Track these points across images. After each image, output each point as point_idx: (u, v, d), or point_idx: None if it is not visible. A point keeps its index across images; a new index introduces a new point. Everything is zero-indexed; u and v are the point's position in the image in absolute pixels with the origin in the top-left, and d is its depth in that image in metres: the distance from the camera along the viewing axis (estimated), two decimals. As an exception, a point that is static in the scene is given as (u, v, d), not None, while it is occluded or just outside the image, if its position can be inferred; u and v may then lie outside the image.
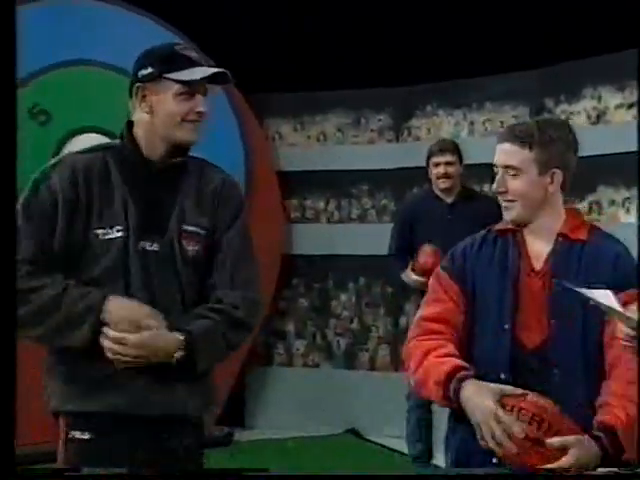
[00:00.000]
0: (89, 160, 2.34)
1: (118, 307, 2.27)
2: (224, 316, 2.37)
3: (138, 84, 2.33)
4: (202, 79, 2.33)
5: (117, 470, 2.11)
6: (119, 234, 2.30)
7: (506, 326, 2.39)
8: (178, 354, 2.25)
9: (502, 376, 2.35)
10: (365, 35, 5.95)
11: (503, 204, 2.46)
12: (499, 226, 2.52)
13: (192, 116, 2.33)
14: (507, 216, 2.48)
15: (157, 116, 2.33)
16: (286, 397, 6.75)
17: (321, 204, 6.93)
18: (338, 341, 6.94)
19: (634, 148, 4.95)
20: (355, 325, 6.88)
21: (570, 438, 2.27)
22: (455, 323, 2.47)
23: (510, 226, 2.49)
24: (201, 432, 2.48)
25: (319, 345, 6.98)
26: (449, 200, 4.90)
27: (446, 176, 4.85)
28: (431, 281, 2.58)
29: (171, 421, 2.37)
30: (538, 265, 2.44)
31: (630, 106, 5.48)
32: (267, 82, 6.41)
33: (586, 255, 2.44)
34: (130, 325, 2.24)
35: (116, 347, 2.23)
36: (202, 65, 2.36)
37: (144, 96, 2.33)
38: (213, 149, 6.60)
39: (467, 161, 5.05)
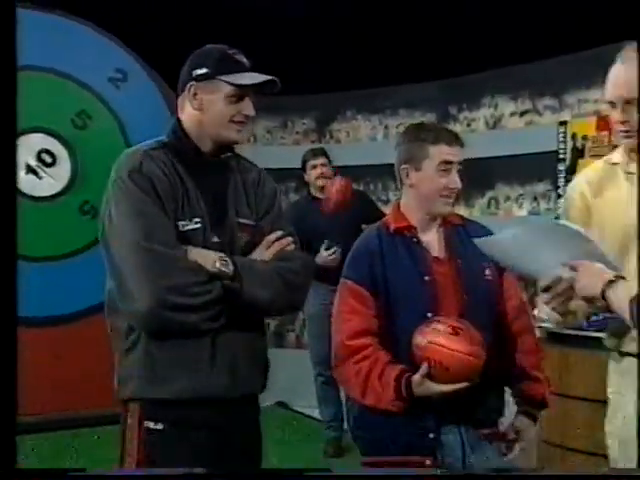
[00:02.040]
0: (161, 157, 2.22)
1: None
2: (283, 271, 2.27)
3: (192, 82, 2.23)
4: (254, 85, 2.22)
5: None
6: (197, 225, 2.19)
7: (429, 314, 2.32)
8: (219, 265, 2.14)
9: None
10: (291, 47, 5.99)
11: (449, 200, 2.43)
12: (393, 224, 2.45)
13: (239, 117, 2.23)
14: (451, 209, 2.47)
15: (207, 114, 2.23)
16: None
17: None
18: (268, 323, 6.98)
19: (526, 151, 5.19)
20: None
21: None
22: (374, 328, 2.37)
23: (405, 223, 2.44)
24: (259, 408, 2.38)
25: None
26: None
27: (323, 175, 4.89)
28: (340, 292, 2.45)
29: (235, 402, 2.24)
30: (440, 253, 2.42)
31: (522, 114, 5.60)
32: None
33: (467, 234, 2.46)
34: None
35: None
36: (251, 71, 2.26)
37: (195, 94, 2.23)
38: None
39: (384, 161, 5.07)
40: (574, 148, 4.98)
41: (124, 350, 2.21)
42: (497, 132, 5.75)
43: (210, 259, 2.15)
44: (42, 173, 5.68)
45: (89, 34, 5.80)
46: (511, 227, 2.18)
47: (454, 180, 2.40)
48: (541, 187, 5.41)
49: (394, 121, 6.33)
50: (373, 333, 2.36)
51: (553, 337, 4.23)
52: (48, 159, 5.75)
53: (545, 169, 5.30)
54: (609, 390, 2.40)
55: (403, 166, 2.44)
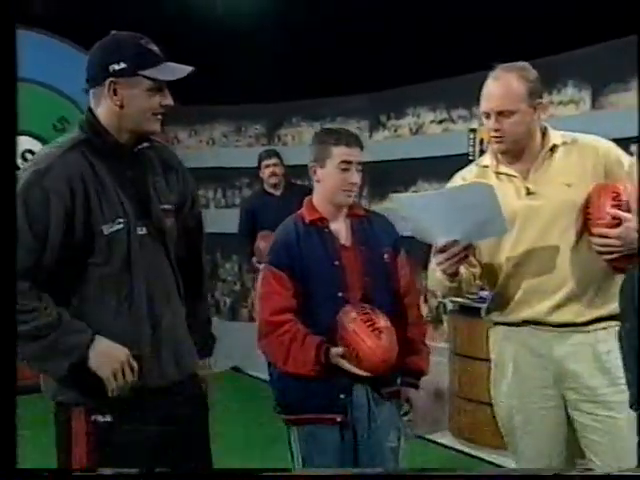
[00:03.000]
0: (74, 158, 1.93)
1: (99, 353, 1.89)
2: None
3: (111, 79, 1.93)
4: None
5: (124, 470, 1.70)
6: (121, 225, 1.94)
7: (340, 294, 2.33)
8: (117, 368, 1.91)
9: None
10: (244, 62, 5.96)
11: (350, 193, 2.41)
12: (307, 216, 2.42)
13: (160, 109, 1.98)
14: (351, 201, 2.44)
15: (128, 109, 1.95)
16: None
17: (211, 193, 6.90)
18: (225, 300, 6.95)
19: (443, 153, 5.18)
20: (237, 287, 6.89)
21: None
22: (293, 306, 2.34)
23: (318, 215, 2.42)
24: (203, 380, 2.22)
25: (210, 303, 6.99)
26: (278, 193, 4.92)
27: (274, 174, 4.91)
28: (263, 277, 2.43)
29: (182, 384, 2.07)
30: (347, 241, 2.41)
31: (440, 122, 5.61)
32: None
33: (371, 224, 2.47)
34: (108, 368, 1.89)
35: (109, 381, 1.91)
36: (165, 60, 1.99)
37: (115, 90, 1.93)
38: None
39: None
40: (481, 151, 4.95)
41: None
42: (419, 137, 5.76)
43: (115, 358, 1.90)
44: (26, 171, 5.65)
45: (68, 50, 5.71)
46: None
47: (353, 176, 2.38)
48: (454, 184, 5.45)
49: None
50: (292, 310, 2.34)
51: (464, 310, 4.38)
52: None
53: (458, 169, 5.31)
54: (492, 356, 2.42)
55: (311, 165, 2.43)
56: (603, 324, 2.24)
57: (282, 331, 2.32)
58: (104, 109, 1.98)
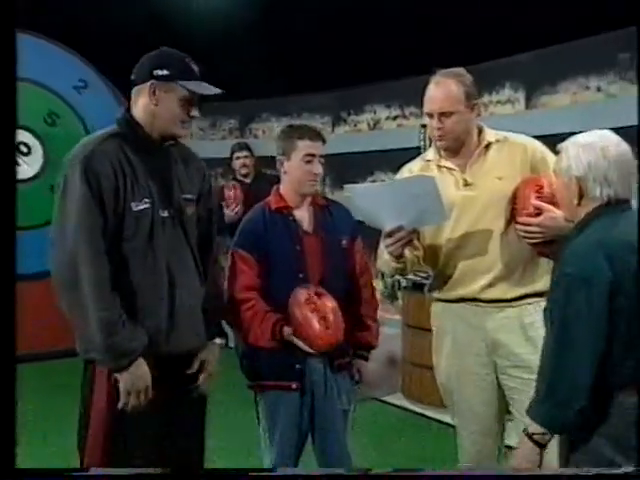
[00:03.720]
0: (112, 147, 2.03)
1: (132, 377, 1.96)
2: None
3: (153, 81, 2.04)
4: (208, 95, 2.08)
5: (120, 471, 1.80)
6: (147, 205, 2.03)
7: (301, 275, 2.32)
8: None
9: None
10: (219, 62, 5.91)
11: (313, 183, 2.40)
12: (273, 204, 2.42)
13: (187, 118, 2.08)
14: (315, 190, 2.44)
15: (160, 110, 2.05)
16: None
17: None
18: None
19: (397, 147, 5.17)
20: None
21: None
22: (257, 286, 2.34)
23: (283, 204, 2.41)
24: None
25: None
26: (248, 180, 4.89)
27: (244, 165, 4.89)
28: (231, 258, 2.40)
29: (191, 355, 2.11)
30: (309, 228, 2.40)
31: (394, 118, 5.63)
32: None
33: (332, 212, 2.46)
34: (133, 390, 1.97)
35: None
36: (200, 79, 2.09)
37: (154, 91, 2.04)
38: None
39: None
40: (431, 144, 5.12)
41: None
42: (376, 132, 5.76)
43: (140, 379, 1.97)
44: (20, 161, 5.60)
45: (57, 51, 5.71)
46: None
47: (316, 168, 2.37)
48: (407, 175, 5.46)
49: (299, 122, 6.02)
50: (256, 289, 2.33)
51: (415, 287, 4.37)
52: (24, 149, 5.65)
53: (411, 160, 5.25)
54: (433, 328, 2.45)
55: (279, 158, 2.42)
56: (529, 300, 2.29)
57: (246, 307, 2.32)
58: (141, 106, 2.08)
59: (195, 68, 2.10)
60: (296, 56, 5.81)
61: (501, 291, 2.29)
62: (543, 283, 2.20)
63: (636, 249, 1.70)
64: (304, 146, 2.37)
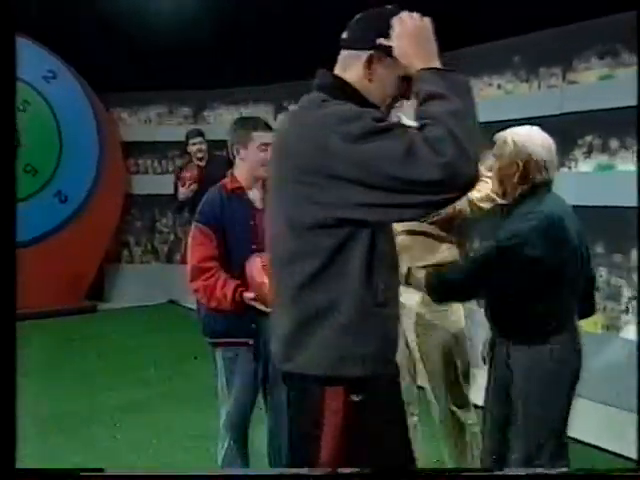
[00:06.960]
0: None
1: None
2: None
3: (373, 52, 1.42)
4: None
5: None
6: None
7: (254, 246, 2.30)
8: None
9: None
10: (175, 55, 5.77)
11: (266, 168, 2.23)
12: (229, 185, 2.43)
13: (398, 102, 1.49)
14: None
15: (376, 84, 1.44)
16: (130, 280, 6.73)
17: (149, 162, 6.83)
18: (162, 247, 6.95)
19: None
20: (172, 237, 6.88)
21: None
22: (215, 255, 2.34)
23: (238, 185, 2.41)
24: None
25: (149, 250, 6.95)
26: (202, 164, 4.82)
27: (200, 150, 4.83)
28: (192, 232, 2.40)
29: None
30: (260, 205, 2.39)
31: None
32: (112, 83, 6.29)
33: None
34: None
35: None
36: None
37: (371, 63, 1.43)
38: (77, 127, 6.52)
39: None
40: None
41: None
42: None
43: None
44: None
45: (27, 44, 5.61)
46: None
47: (268, 154, 2.25)
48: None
49: (246, 110, 6.40)
50: (215, 259, 2.35)
51: None
52: (-3, 132, 5.65)
53: None
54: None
55: (235, 146, 2.43)
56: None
57: (207, 276, 2.34)
58: (352, 76, 1.46)
59: None
60: (243, 49, 5.83)
61: None
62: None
63: (569, 221, 1.91)
64: (259, 137, 2.40)
